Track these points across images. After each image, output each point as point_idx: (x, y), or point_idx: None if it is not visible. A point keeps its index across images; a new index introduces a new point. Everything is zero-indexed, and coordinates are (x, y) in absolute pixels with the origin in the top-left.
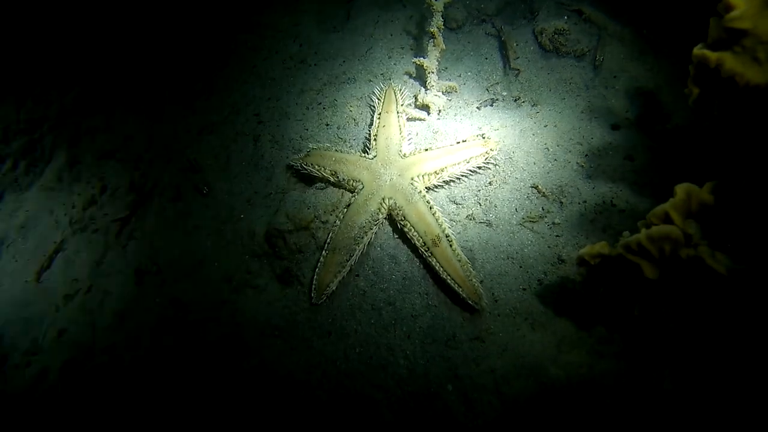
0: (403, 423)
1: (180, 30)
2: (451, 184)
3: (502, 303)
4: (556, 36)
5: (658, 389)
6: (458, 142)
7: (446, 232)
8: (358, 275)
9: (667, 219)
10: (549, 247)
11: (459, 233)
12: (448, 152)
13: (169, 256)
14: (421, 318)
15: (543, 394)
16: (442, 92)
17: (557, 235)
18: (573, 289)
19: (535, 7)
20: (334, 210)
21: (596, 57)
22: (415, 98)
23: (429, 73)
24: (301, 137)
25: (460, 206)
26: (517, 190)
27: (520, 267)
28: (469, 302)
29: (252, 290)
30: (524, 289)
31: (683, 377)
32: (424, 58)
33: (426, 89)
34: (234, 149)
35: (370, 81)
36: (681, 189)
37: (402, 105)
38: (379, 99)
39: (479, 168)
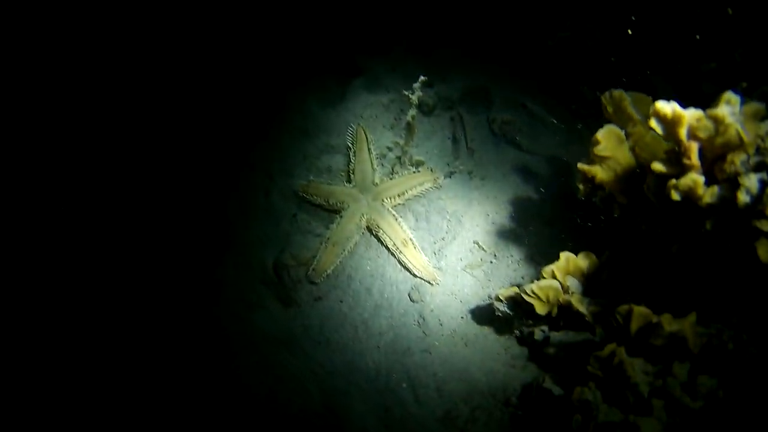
0: (370, 411)
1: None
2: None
3: (445, 326)
4: (504, 125)
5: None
6: (414, 172)
7: (411, 237)
8: (341, 301)
9: (553, 275)
10: (483, 287)
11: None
12: (407, 179)
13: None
14: (386, 335)
15: (470, 392)
16: (413, 166)
17: (489, 280)
18: (497, 317)
19: (491, 98)
20: None
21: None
22: (392, 169)
23: (404, 151)
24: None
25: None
26: (462, 244)
27: (461, 301)
28: (430, 281)
29: (262, 310)
30: (462, 318)
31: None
32: (401, 138)
33: (401, 164)
34: (250, 200)
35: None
36: (563, 255)
37: (371, 142)
38: (352, 139)
39: (429, 189)
